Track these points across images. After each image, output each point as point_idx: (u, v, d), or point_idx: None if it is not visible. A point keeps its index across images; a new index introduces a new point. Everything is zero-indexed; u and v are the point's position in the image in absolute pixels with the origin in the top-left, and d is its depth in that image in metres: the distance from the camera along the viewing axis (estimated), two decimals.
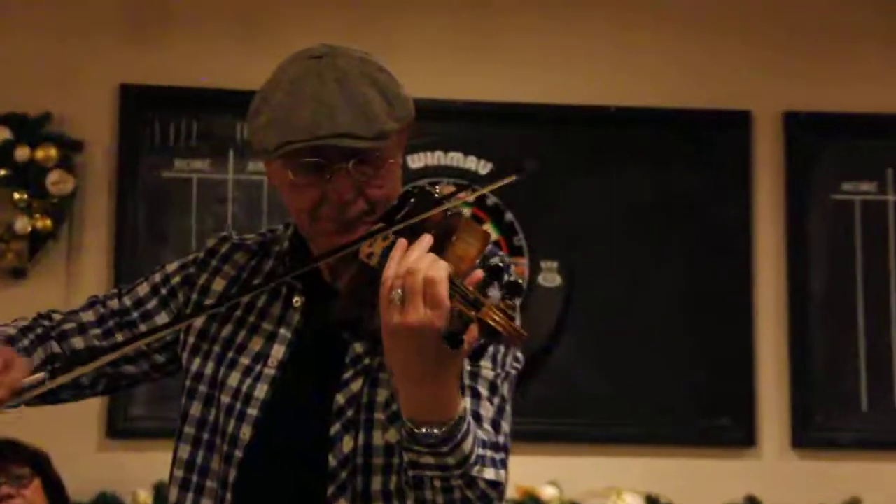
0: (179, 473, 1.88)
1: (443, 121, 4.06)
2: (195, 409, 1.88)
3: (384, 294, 1.59)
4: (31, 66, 4.07)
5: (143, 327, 1.96)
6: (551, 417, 4.04)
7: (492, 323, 1.54)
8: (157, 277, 2.00)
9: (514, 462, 1.73)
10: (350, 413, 1.78)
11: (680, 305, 4.14)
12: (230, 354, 1.87)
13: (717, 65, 4.25)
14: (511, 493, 3.85)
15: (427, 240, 1.63)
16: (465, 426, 1.63)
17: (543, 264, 4.12)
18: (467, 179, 4.10)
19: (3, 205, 3.99)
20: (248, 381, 1.85)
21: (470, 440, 1.64)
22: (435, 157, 4.15)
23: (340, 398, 1.79)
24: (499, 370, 1.81)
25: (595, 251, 4.14)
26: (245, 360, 1.86)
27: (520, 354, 1.85)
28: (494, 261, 1.66)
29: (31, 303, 3.89)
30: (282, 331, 1.87)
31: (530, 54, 4.20)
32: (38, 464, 3.47)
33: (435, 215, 1.68)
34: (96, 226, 4.05)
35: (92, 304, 2.02)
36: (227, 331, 1.90)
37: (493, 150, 4.15)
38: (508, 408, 1.82)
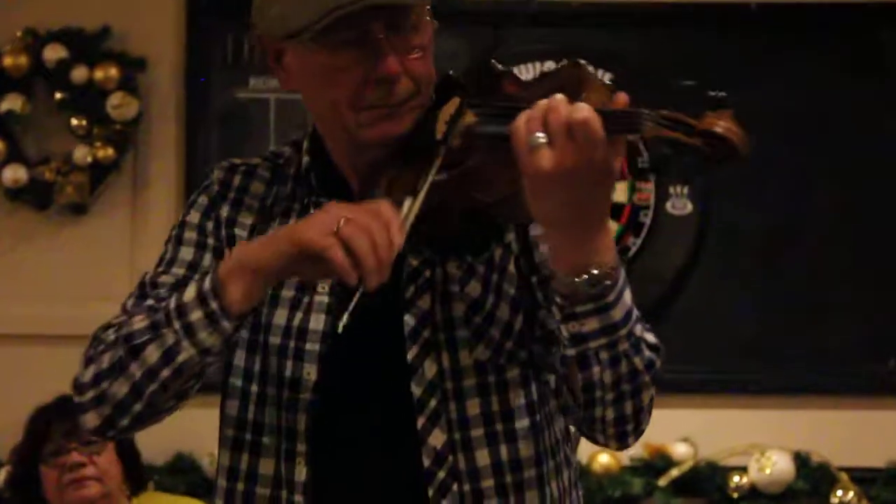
0: (230, 433, 1.79)
1: (555, 25, 3.95)
2: (238, 359, 1.79)
3: (521, 139, 1.53)
4: None
5: None
6: (683, 365, 3.83)
7: (721, 131, 1.50)
8: (193, 234, 1.85)
9: None
10: (426, 334, 1.73)
11: (839, 235, 3.97)
12: (268, 290, 1.72)
13: None
14: (639, 451, 3.78)
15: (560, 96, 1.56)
16: (623, 268, 1.61)
17: (672, 189, 3.96)
18: None
19: (61, 133, 3.90)
20: (299, 314, 1.75)
21: (628, 290, 1.61)
22: (546, 69, 3.87)
23: (410, 319, 1.72)
24: None
25: (734, 174, 3.84)
26: (288, 293, 1.77)
27: None
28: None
29: (94, 241, 3.85)
30: None
31: None
32: None
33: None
34: (163, 154, 3.97)
35: (141, 292, 1.81)
36: None
37: (614, 57, 3.93)
38: None
